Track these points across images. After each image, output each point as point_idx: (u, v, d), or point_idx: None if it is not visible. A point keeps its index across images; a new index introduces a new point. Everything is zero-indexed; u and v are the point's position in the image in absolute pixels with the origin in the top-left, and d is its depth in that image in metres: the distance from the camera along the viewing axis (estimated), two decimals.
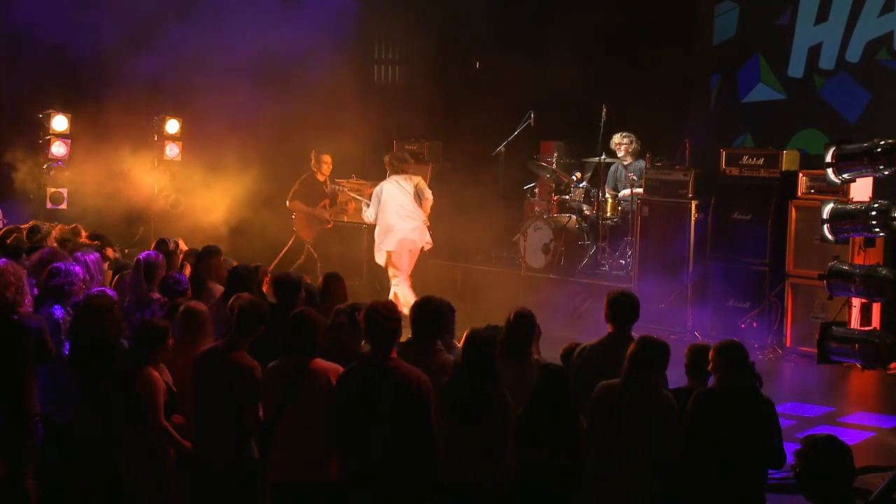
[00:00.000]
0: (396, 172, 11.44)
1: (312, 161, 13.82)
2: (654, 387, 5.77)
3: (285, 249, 14.17)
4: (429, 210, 11.46)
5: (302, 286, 7.32)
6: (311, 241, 14.03)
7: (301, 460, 5.86)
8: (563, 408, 5.60)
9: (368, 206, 11.55)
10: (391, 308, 5.80)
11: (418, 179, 11.54)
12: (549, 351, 6.69)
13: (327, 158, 13.84)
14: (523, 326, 6.28)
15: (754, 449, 5.64)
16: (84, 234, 9.79)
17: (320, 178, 13.89)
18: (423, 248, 11.52)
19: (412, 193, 11.36)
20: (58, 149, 14.02)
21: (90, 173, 13.72)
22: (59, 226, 10.29)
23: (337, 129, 14.44)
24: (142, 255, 8.13)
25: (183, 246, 9.27)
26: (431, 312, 6.16)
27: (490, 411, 5.69)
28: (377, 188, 11.46)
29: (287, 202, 13.94)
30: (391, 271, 11.44)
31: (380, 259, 11.51)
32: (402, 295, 11.16)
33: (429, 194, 11.48)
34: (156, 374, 6.26)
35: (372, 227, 11.72)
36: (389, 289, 11.58)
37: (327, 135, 14.39)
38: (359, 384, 5.68)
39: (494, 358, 5.77)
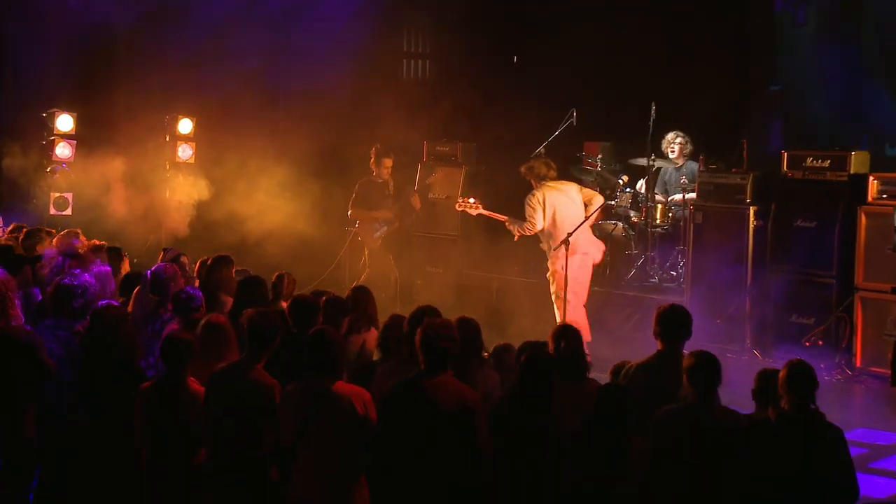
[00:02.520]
0: (541, 179, 11.01)
1: (371, 161, 13.61)
2: (720, 408, 5.83)
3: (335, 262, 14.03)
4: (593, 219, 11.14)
5: (320, 309, 7.28)
6: (378, 248, 13.79)
7: (322, 489, 5.88)
8: (622, 431, 5.65)
9: (528, 218, 10.94)
10: (447, 326, 5.88)
11: (577, 186, 11.20)
12: (594, 371, 6.65)
13: (388, 162, 13.43)
14: (578, 345, 6.34)
15: (822, 482, 5.57)
16: (86, 241, 9.79)
17: (379, 181, 13.65)
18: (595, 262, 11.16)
19: (580, 202, 10.94)
20: (62, 150, 14.07)
21: (96, 177, 13.77)
22: (63, 232, 10.31)
23: (363, 128, 14.42)
24: (153, 268, 8.18)
25: (185, 259, 9.28)
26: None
27: (543, 438, 5.74)
28: (537, 195, 10.91)
29: (348, 212, 13.73)
30: (559, 292, 10.81)
31: (550, 273, 11.01)
32: (577, 320, 10.46)
33: (598, 199, 11.09)
34: (200, 389, 6.37)
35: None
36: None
37: (352, 134, 14.37)
38: (399, 408, 5.74)
39: (553, 385, 5.84)
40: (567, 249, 10.56)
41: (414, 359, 5.96)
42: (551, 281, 10.97)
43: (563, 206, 10.88)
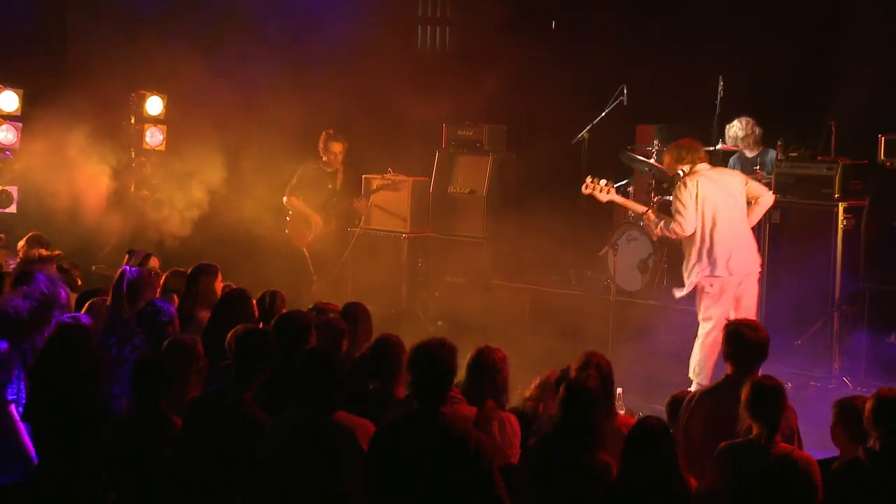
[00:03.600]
0: (687, 163, 10.41)
1: (320, 145, 13.72)
2: (784, 447, 5.87)
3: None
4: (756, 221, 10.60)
5: (310, 329, 7.36)
6: (307, 247, 13.88)
7: None
8: (665, 472, 5.64)
9: (678, 213, 10.25)
10: (449, 347, 5.88)
11: (742, 178, 10.49)
12: (651, 400, 6.65)
13: (338, 147, 13.68)
14: (607, 376, 6.46)
15: None
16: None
17: (328, 169, 13.75)
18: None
19: (742, 195, 10.33)
20: (5, 134, 14.07)
21: (46, 167, 13.79)
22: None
23: (369, 107, 14.40)
24: (127, 271, 8.27)
25: (156, 263, 9.33)
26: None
27: (586, 482, 5.77)
28: (690, 186, 10.25)
29: (284, 198, 13.86)
30: (708, 311, 10.27)
31: (685, 291, 10.47)
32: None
33: (767, 199, 10.53)
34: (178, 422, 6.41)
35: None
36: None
37: (357, 115, 14.36)
38: (399, 445, 5.73)
39: (599, 417, 5.89)
40: (727, 271, 10.08)
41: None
42: (700, 306, 10.28)
43: (724, 206, 10.20)
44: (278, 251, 13.83)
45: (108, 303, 8.25)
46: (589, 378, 6.09)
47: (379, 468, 5.76)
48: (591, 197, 13.74)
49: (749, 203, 10.36)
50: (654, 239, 10.82)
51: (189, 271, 8.88)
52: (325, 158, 13.67)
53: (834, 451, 6.17)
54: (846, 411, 6.12)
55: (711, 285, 10.17)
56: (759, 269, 10.37)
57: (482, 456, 5.64)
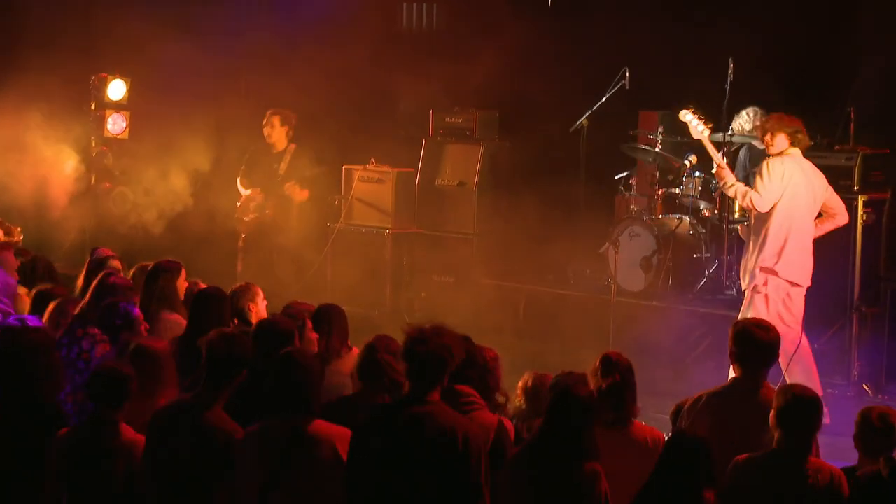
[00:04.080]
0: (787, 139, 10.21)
1: (264, 124, 13.71)
2: (816, 461, 5.89)
3: None
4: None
5: (292, 335, 7.36)
6: (245, 231, 13.85)
7: None
8: (694, 494, 5.64)
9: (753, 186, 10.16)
10: (439, 333, 5.88)
11: (826, 182, 10.29)
12: (655, 409, 6.65)
13: (276, 120, 13.66)
14: (627, 383, 6.41)
15: None
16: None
17: (274, 151, 13.72)
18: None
19: (821, 201, 10.24)
20: None
21: None
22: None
23: (350, 91, 14.39)
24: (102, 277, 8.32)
25: (117, 264, 9.37)
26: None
27: (572, 493, 5.74)
28: (781, 164, 10.07)
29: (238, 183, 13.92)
30: (763, 306, 10.12)
31: (749, 283, 10.28)
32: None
33: (842, 218, 10.40)
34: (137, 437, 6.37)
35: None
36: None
37: (337, 100, 14.35)
38: (381, 439, 5.73)
39: (591, 425, 5.87)
40: (787, 273, 10.05)
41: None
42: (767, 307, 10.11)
43: (805, 203, 10.11)
44: (256, 247, 13.81)
45: (83, 304, 8.30)
46: (580, 383, 6.05)
47: (361, 458, 5.76)
48: (591, 190, 13.84)
49: (819, 214, 10.30)
50: (727, 192, 10.53)
51: (150, 268, 8.93)
52: (267, 137, 13.65)
53: (849, 463, 6.19)
54: (861, 421, 6.14)
55: (766, 283, 10.13)
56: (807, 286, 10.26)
57: (470, 450, 5.64)
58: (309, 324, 7.77)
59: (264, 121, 13.67)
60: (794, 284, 10.10)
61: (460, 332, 6.49)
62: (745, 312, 10.11)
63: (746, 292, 10.27)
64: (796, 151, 10.18)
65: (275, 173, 13.71)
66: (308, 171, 13.73)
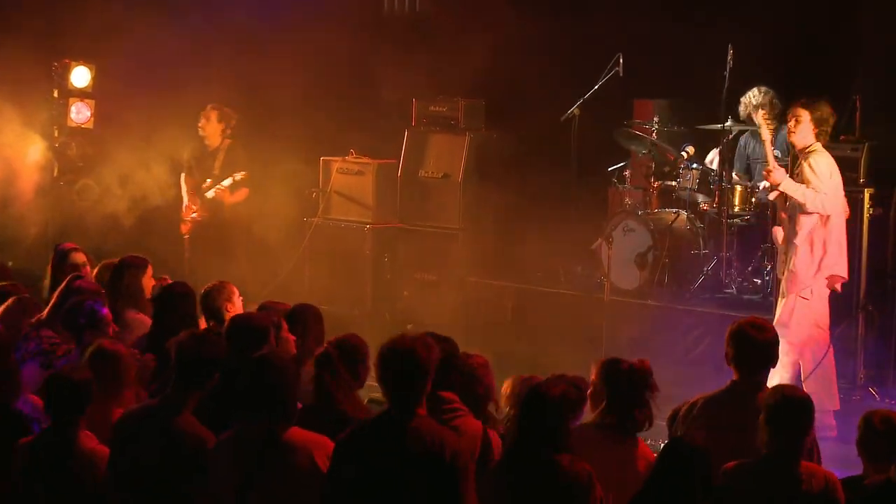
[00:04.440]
0: (822, 136, 10.35)
1: (201, 115, 13.70)
2: (808, 466, 5.90)
3: None
4: None
5: (267, 334, 7.37)
6: (187, 233, 13.87)
7: None
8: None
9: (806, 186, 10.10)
10: (420, 343, 5.86)
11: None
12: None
13: (213, 115, 13.62)
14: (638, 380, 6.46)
15: None
16: None
17: (210, 149, 13.72)
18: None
19: None
20: None
21: None
22: None
23: (329, 79, 14.38)
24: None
25: (81, 258, 9.38)
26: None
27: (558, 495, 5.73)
28: (824, 162, 10.20)
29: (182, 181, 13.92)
30: (807, 310, 10.28)
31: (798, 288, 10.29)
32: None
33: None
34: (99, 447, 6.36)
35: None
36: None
37: (315, 88, 14.33)
38: (364, 454, 5.72)
39: (567, 427, 5.82)
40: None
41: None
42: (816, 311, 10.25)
43: (840, 198, 10.34)
44: (226, 243, 13.79)
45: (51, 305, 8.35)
46: (558, 385, 6.04)
47: (342, 475, 5.76)
48: (583, 183, 13.84)
49: None
50: (775, 197, 10.37)
51: (115, 264, 8.97)
52: (200, 130, 13.64)
53: (856, 470, 6.21)
54: (864, 425, 6.17)
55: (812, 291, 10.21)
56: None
57: (458, 467, 5.64)
58: (284, 324, 7.77)
59: (202, 114, 13.61)
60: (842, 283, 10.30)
61: (443, 334, 6.51)
62: (784, 318, 10.16)
63: (789, 297, 10.25)
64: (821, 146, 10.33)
65: (210, 171, 13.66)
66: (240, 170, 13.59)
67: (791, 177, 10.30)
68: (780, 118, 12.73)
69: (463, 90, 14.50)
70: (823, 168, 10.13)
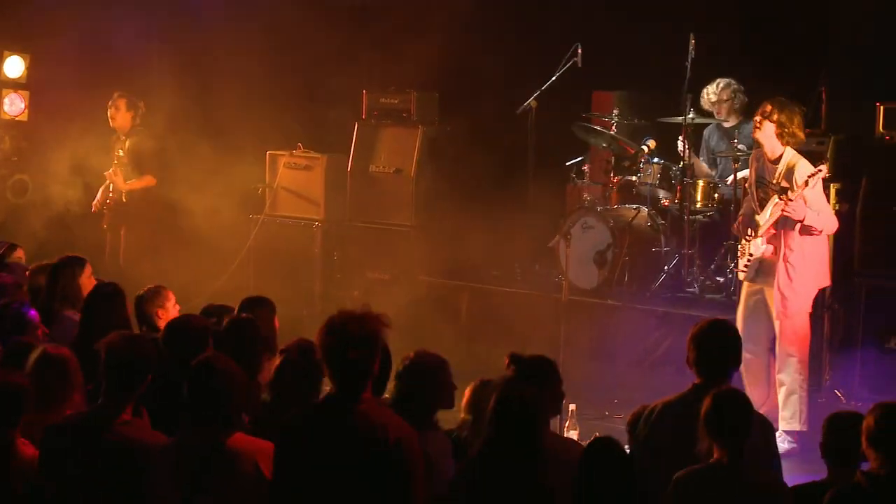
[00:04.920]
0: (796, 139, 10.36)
1: (109, 104, 13.68)
2: (754, 472, 5.92)
3: None
4: None
5: (207, 337, 7.42)
6: (107, 226, 13.87)
7: None
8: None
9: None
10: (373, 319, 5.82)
11: None
12: (609, 418, 6.70)
13: (122, 103, 13.59)
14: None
15: None
16: None
17: (119, 136, 13.71)
18: None
19: None
20: None
21: None
22: None
23: (275, 70, 14.36)
24: None
25: (21, 255, 9.37)
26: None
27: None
28: (813, 191, 10.08)
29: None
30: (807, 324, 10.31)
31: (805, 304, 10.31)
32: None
33: None
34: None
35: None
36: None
37: (261, 79, 14.31)
38: (307, 440, 5.72)
39: (542, 431, 5.87)
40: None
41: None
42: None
43: None
44: (159, 239, 13.77)
45: None
46: (527, 385, 6.08)
47: (285, 464, 5.77)
48: (540, 178, 13.88)
49: None
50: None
51: (53, 264, 8.96)
52: (111, 120, 13.63)
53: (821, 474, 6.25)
54: (827, 428, 6.20)
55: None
56: None
57: (402, 455, 5.62)
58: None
59: (109, 103, 13.59)
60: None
61: (398, 339, 6.51)
62: (789, 338, 10.15)
63: (787, 316, 10.18)
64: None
65: (118, 158, 13.64)
66: (147, 158, 13.62)
67: (758, 178, 10.35)
68: (743, 111, 12.84)
69: (415, 82, 14.50)
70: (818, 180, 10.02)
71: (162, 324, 8.11)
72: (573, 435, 8.07)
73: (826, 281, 10.44)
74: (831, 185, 11.44)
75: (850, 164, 11.61)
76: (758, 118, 10.35)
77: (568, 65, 13.28)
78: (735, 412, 5.98)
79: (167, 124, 14.05)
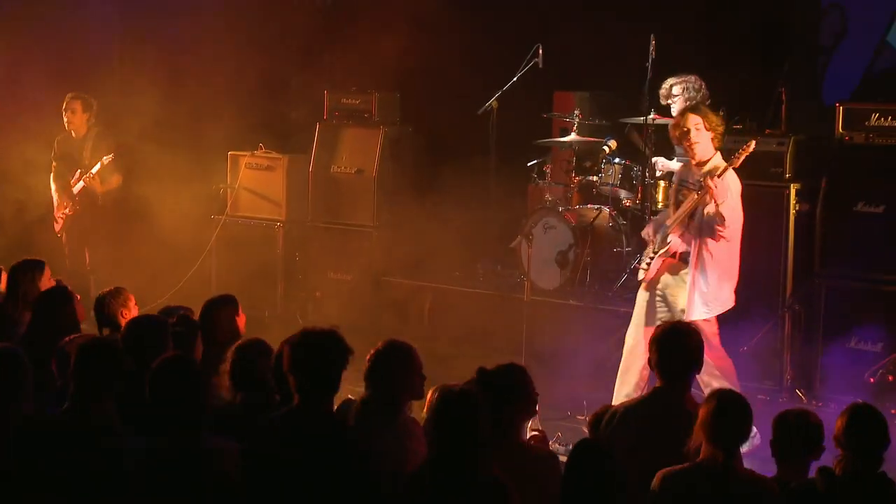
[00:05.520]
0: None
1: (64, 107, 13.62)
2: (747, 472, 5.93)
3: None
4: None
5: (167, 336, 7.41)
6: (61, 233, 13.80)
7: None
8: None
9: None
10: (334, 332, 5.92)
11: None
12: (571, 419, 6.70)
13: (77, 105, 13.53)
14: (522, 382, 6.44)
15: None
16: None
17: (76, 139, 13.66)
18: None
19: None
20: None
21: None
22: None
23: (235, 70, 14.32)
24: None
25: None
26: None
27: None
28: (733, 181, 9.81)
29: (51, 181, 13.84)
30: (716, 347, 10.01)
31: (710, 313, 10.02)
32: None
33: None
34: None
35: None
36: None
37: (221, 79, 14.28)
38: (276, 443, 5.76)
39: (482, 428, 5.78)
40: None
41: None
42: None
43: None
44: (114, 237, 13.72)
45: None
46: (467, 385, 6.06)
47: (254, 471, 5.79)
48: (501, 178, 13.88)
49: None
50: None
51: (18, 266, 8.94)
52: (68, 124, 13.57)
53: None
54: (777, 425, 6.23)
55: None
56: None
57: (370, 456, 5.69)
58: None
59: (64, 105, 13.52)
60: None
61: (360, 340, 6.52)
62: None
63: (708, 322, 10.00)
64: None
65: (80, 162, 13.55)
66: (112, 153, 13.50)
67: (680, 182, 10.19)
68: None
69: (376, 82, 14.49)
70: (732, 183, 9.73)
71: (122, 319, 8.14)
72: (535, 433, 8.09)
73: (731, 302, 9.99)
74: (791, 185, 11.50)
75: (811, 165, 11.62)
76: (697, 124, 10.08)
77: (529, 65, 13.28)
78: (739, 416, 5.98)
79: (129, 124, 13.99)
